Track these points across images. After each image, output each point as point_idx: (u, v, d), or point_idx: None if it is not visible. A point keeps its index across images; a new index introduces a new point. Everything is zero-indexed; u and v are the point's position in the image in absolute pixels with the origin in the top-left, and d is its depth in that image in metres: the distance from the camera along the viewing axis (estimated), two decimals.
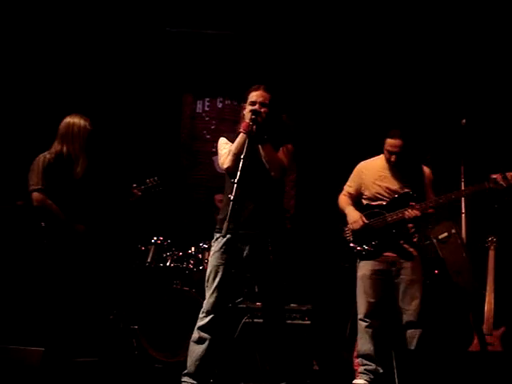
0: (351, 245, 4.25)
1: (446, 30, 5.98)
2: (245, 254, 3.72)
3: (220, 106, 7.04)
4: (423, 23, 6.01)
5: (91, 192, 4.28)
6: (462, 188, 5.12)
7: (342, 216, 4.37)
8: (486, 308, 4.61)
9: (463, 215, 5.50)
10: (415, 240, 4.21)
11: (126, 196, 4.48)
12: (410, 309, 4.09)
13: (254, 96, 3.74)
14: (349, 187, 4.43)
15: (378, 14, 6.05)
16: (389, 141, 4.20)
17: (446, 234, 5.38)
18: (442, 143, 5.91)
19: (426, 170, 4.31)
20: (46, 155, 4.15)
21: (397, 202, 4.17)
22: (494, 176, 3.88)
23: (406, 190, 4.18)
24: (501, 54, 5.79)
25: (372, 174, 4.32)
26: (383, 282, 4.15)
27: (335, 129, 6.47)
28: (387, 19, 6.07)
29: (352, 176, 4.43)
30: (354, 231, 4.24)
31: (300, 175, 6.78)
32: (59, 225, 4.09)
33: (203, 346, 3.67)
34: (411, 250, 4.16)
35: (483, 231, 5.10)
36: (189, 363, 3.70)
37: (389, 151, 4.20)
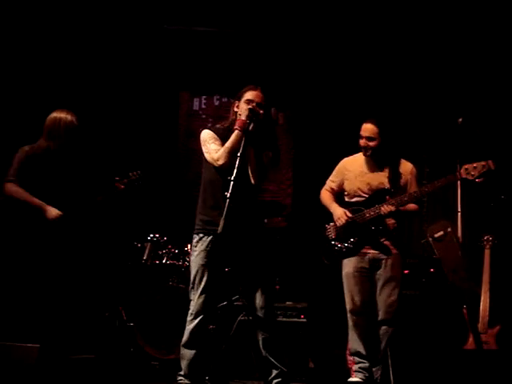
0: (332, 242, 4.25)
1: (443, 29, 5.99)
2: (232, 252, 3.73)
3: (217, 103, 7.04)
4: (420, 22, 6.01)
5: (75, 186, 4.29)
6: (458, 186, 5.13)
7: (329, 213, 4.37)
8: (481, 307, 4.63)
9: (459, 214, 5.51)
10: (394, 235, 4.18)
11: (110, 191, 4.47)
12: (385, 306, 4.08)
13: (251, 95, 3.74)
14: (331, 182, 4.41)
15: (376, 13, 6.06)
16: (363, 125, 4.20)
17: (441, 233, 5.39)
18: (439, 142, 5.93)
19: (408, 164, 4.27)
20: (25, 148, 4.21)
21: (375, 197, 4.16)
22: (466, 166, 3.89)
23: (384, 186, 4.17)
24: (497, 52, 5.80)
25: (354, 169, 4.30)
26: (367, 279, 4.14)
27: (331, 126, 6.47)
28: (384, 18, 6.08)
29: (335, 171, 4.42)
30: (337, 228, 4.24)
31: (296, 173, 6.79)
32: (32, 212, 4.11)
33: (194, 350, 3.68)
34: (391, 246, 4.14)
35: (479, 230, 5.11)
36: (182, 366, 3.71)
37: (361, 136, 4.18)
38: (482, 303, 4.64)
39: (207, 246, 3.73)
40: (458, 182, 5.23)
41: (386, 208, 4.03)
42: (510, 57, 5.70)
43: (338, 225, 4.21)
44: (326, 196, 4.41)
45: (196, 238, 3.80)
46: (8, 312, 4.07)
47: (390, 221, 4.17)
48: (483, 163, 3.86)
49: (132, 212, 6.15)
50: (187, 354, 3.69)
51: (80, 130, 4.30)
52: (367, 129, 4.17)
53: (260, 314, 3.72)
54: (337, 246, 4.22)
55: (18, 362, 3.43)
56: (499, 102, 5.79)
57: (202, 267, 3.72)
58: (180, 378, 3.72)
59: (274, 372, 3.69)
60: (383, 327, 4.09)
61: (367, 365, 4.09)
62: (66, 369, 4.15)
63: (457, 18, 5.87)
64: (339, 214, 4.22)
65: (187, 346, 3.70)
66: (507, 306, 4.69)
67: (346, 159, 4.42)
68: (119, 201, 4.61)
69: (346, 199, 4.33)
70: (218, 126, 3.93)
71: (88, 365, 4.55)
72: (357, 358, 4.13)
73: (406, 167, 4.25)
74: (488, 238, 4.86)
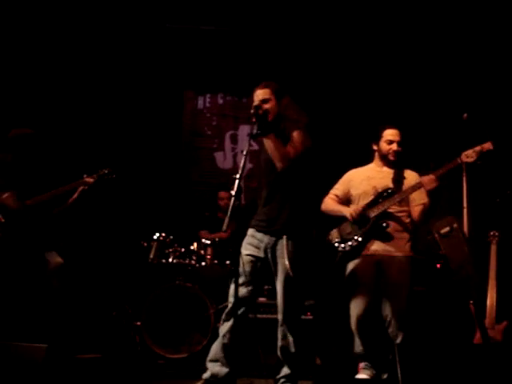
0: (336, 245, 4.21)
1: (447, 25, 5.97)
2: (265, 251, 3.70)
3: (221, 101, 7.05)
4: (424, 19, 6.00)
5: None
6: (463, 181, 5.13)
7: (329, 218, 4.33)
8: (488, 302, 4.62)
9: (465, 210, 5.49)
10: (402, 232, 4.16)
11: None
12: (392, 311, 4.03)
13: (254, 96, 3.73)
14: (336, 190, 4.36)
15: (378, 10, 6.05)
16: (389, 131, 4.19)
17: (447, 229, 5.38)
18: (444, 138, 5.91)
19: (413, 174, 4.24)
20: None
21: (378, 197, 4.13)
22: (466, 152, 3.87)
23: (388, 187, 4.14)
24: (502, 48, 5.78)
25: (360, 176, 4.29)
26: (372, 280, 4.10)
27: (332, 129, 6.44)
28: (387, 15, 6.07)
29: (341, 181, 4.38)
30: (341, 230, 4.21)
31: None
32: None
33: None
34: (399, 243, 4.11)
35: (485, 226, 5.10)
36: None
37: (390, 141, 4.17)
38: (488, 299, 4.63)
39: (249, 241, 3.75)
40: (464, 179, 5.23)
41: (427, 178, 3.89)
42: None
43: (351, 219, 4.13)
44: (330, 201, 4.35)
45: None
46: (15, 312, 4.09)
47: (399, 216, 4.15)
48: (482, 145, 3.84)
49: (138, 211, 6.16)
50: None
51: (40, 142, 4.48)
52: (397, 133, 4.18)
53: (281, 314, 3.68)
54: (340, 247, 4.19)
55: (26, 361, 3.43)
56: (504, 98, 5.77)
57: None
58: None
59: (285, 371, 3.69)
60: (390, 330, 4.04)
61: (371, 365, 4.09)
62: (73, 368, 4.17)
63: (461, 16, 5.86)
64: (351, 209, 4.16)
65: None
66: None
67: (351, 171, 4.40)
68: (90, 195, 4.64)
69: (353, 207, 4.24)
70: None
71: (95, 364, 4.57)
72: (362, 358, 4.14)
73: (411, 175, 4.21)
74: (494, 234, 4.86)
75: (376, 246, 4.12)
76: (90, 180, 4.56)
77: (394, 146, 4.17)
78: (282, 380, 3.69)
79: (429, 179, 3.87)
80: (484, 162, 3.84)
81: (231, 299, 3.62)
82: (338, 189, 4.37)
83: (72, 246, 4.46)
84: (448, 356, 4.51)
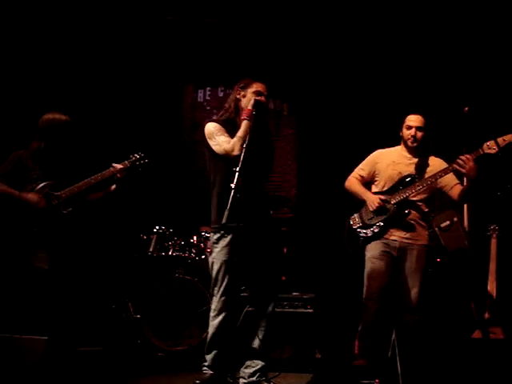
0: (358, 230, 4.26)
1: (448, 18, 5.95)
2: (248, 245, 3.73)
3: (221, 95, 7.02)
4: (425, 11, 5.97)
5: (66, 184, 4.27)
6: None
7: (351, 198, 4.37)
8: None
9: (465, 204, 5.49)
10: (422, 219, 4.21)
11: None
12: (408, 296, 4.10)
13: (261, 87, 3.85)
14: (362, 170, 4.41)
15: (380, 3, 6.02)
16: (410, 117, 4.24)
17: (448, 223, 5.37)
18: (445, 131, 5.90)
19: (438, 161, 4.29)
20: (20, 152, 4.26)
21: (400, 183, 4.19)
22: (487, 142, 3.89)
23: (412, 173, 4.19)
24: (503, 41, 5.76)
25: (387, 160, 4.33)
26: (390, 265, 4.15)
27: (336, 117, 6.45)
28: (387, 7, 6.04)
29: (366, 161, 4.43)
30: (363, 216, 4.26)
31: (301, 164, 6.78)
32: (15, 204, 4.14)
33: (218, 346, 3.77)
34: (418, 230, 4.18)
35: (485, 219, 5.09)
36: (207, 358, 3.76)
37: (409, 126, 4.22)
38: (488, 293, 4.63)
39: (229, 243, 3.74)
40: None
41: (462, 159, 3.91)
42: None
43: (371, 209, 4.20)
44: (355, 182, 4.40)
45: (216, 235, 3.79)
46: (16, 305, 4.09)
47: (419, 205, 4.18)
48: (504, 137, 3.85)
49: (138, 204, 6.15)
50: (212, 349, 3.74)
51: (73, 129, 4.32)
52: (418, 119, 4.22)
53: (264, 306, 3.75)
54: (362, 232, 4.24)
55: (26, 354, 3.44)
56: (505, 91, 5.75)
57: (224, 263, 3.74)
58: (204, 368, 3.76)
59: (260, 363, 3.74)
60: (407, 315, 4.10)
61: (373, 347, 4.12)
62: (73, 361, 4.18)
63: (462, 8, 5.83)
64: (372, 198, 4.23)
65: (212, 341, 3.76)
66: None
67: (379, 150, 4.44)
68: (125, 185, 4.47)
69: (375, 189, 4.33)
70: (215, 118, 3.96)
71: (95, 357, 4.58)
72: (364, 340, 4.15)
73: (437, 161, 4.26)
74: (495, 228, 4.86)
75: (396, 234, 4.18)
76: (122, 167, 4.33)
77: (413, 131, 4.20)
78: (258, 374, 3.73)
79: (466, 159, 3.88)
80: (505, 154, 3.85)
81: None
82: (363, 169, 4.41)
83: (72, 240, 4.42)
84: (447, 351, 4.53)
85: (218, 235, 3.76)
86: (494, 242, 4.80)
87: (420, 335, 4.13)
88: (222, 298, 3.72)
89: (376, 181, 4.35)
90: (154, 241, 5.46)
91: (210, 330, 3.74)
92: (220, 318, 3.71)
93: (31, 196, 4.14)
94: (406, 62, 6.22)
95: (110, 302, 5.34)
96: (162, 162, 6.43)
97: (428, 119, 4.29)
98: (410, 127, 4.22)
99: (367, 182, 4.39)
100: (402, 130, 4.30)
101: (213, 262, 3.78)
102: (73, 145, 4.35)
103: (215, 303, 3.74)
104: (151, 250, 5.42)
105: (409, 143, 4.24)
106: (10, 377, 3.38)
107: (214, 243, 3.78)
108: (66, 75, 6.07)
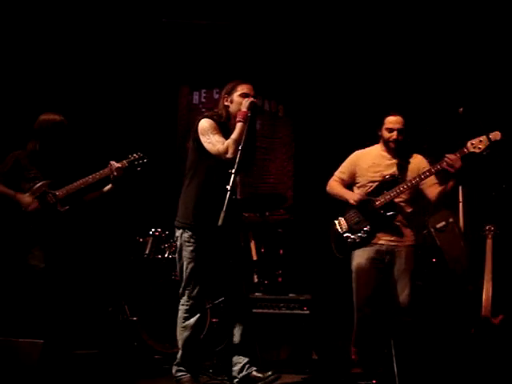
0: (345, 235, 4.23)
1: (443, 18, 5.96)
2: (217, 245, 3.78)
3: (217, 97, 6.99)
4: (421, 12, 5.98)
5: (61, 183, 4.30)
6: None
7: (337, 202, 4.35)
8: (483, 296, 4.62)
9: (461, 204, 5.50)
10: (408, 221, 4.20)
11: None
12: (399, 298, 4.10)
13: (247, 88, 3.87)
14: (341, 173, 4.39)
15: (375, 2, 6.04)
16: (389, 118, 4.20)
17: (443, 223, 5.38)
18: (439, 132, 5.91)
19: (419, 156, 4.30)
20: (17, 152, 4.33)
21: (383, 185, 4.16)
22: (472, 141, 3.89)
23: (394, 174, 4.17)
24: (498, 41, 5.78)
25: (367, 161, 4.30)
26: (378, 271, 4.15)
27: (331, 118, 6.46)
28: (384, 8, 6.05)
29: (345, 163, 4.40)
30: (349, 219, 4.23)
31: (297, 165, 6.79)
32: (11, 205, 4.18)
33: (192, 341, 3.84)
34: (404, 232, 4.17)
35: (481, 220, 5.10)
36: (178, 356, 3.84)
37: (390, 129, 4.18)
38: (484, 293, 4.63)
39: (199, 241, 3.76)
40: None
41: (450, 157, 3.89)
42: (511, 45, 5.68)
43: (353, 202, 4.17)
44: (335, 185, 4.38)
45: (184, 232, 3.79)
46: (12, 308, 4.09)
47: (403, 205, 4.17)
48: (489, 134, 3.86)
49: (134, 207, 6.14)
50: (188, 351, 3.82)
51: (67, 129, 4.36)
52: (398, 121, 4.19)
53: (239, 305, 3.82)
54: (349, 237, 4.20)
55: (22, 357, 3.43)
56: (500, 92, 5.77)
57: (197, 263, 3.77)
58: (181, 373, 3.82)
59: (244, 360, 3.80)
60: (400, 318, 4.10)
61: (369, 356, 4.11)
62: (69, 364, 4.17)
63: (458, 9, 5.85)
64: (352, 193, 4.23)
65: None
66: (510, 295, 4.68)
67: (358, 152, 4.41)
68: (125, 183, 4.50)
69: (357, 191, 4.30)
70: (209, 113, 3.99)
71: (92, 360, 4.57)
72: (361, 349, 4.15)
73: (417, 159, 4.26)
74: (490, 228, 4.85)
75: (384, 238, 4.16)
76: (120, 166, 4.35)
77: (394, 135, 4.18)
78: (247, 366, 3.80)
79: (454, 158, 3.87)
80: (492, 153, 3.85)
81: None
82: (343, 172, 4.39)
83: (69, 239, 4.42)
84: (443, 350, 4.53)
85: (190, 233, 3.76)
86: (489, 242, 4.80)
87: (415, 336, 4.13)
88: (196, 299, 3.75)
89: (358, 182, 4.32)
90: (150, 243, 5.46)
91: (185, 332, 3.77)
92: (194, 318, 3.76)
93: (24, 198, 4.17)
94: (402, 63, 6.23)
95: (107, 305, 5.33)
96: (158, 164, 6.42)
97: (420, 120, 4.29)
98: (391, 130, 4.19)
99: (349, 185, 4.36)
100: (381, 130, 4.26)
101: (185, 262, 3.78)
102: (68, 145, 4.37)
103: (188, 304, 3.77)
104: (147, 252, 5.42)
105: (391, 145, 4.21)
106: (6, 380, 3.37)
107: (186, 242, 3.77)
108: (63, 76, 6.08)
